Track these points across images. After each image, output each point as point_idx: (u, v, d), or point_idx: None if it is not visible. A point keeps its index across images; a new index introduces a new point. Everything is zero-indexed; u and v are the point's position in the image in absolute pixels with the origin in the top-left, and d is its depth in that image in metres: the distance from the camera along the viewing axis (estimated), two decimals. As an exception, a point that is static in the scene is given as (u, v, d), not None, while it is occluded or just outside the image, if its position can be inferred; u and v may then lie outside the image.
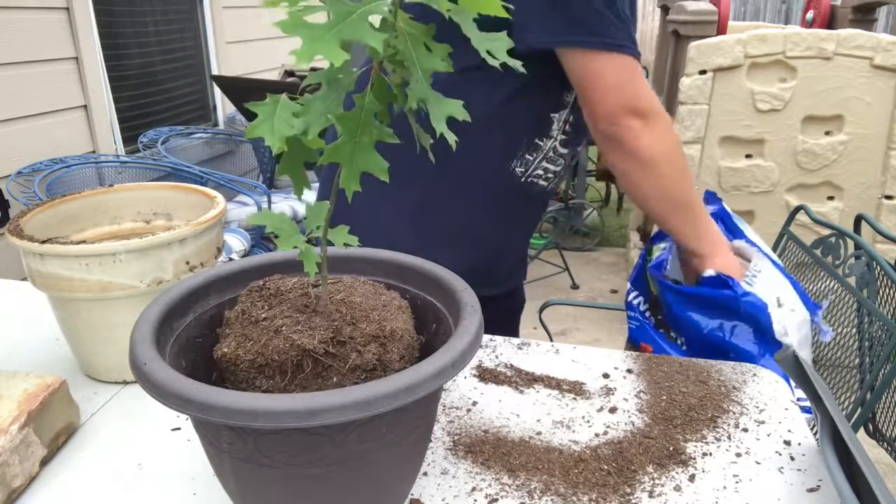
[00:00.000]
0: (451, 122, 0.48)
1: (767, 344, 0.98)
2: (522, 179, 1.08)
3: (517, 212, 1.14)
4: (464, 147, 1.04)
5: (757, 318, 0.98)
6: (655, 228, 1.16)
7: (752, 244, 1.13)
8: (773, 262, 1.10)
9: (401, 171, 0.88)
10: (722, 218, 1.18)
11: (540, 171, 1.09)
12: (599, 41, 0.87)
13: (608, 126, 0.95)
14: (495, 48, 0.49)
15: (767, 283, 1.02)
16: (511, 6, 0.48)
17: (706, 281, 1.03)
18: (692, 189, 1.02)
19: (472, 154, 0.97)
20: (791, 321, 0.99)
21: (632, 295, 1.17)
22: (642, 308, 1.16)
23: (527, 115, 1.00)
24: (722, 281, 1.01)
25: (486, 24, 0.48)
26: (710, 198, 1.23)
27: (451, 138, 0.49)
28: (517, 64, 0.50)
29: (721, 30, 2.90)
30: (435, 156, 0.88)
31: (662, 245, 1.13)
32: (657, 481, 0.70)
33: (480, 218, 1.09)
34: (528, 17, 0.87)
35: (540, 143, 1.05)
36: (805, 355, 0.94)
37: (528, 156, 1.06)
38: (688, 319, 1.03)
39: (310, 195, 3.19)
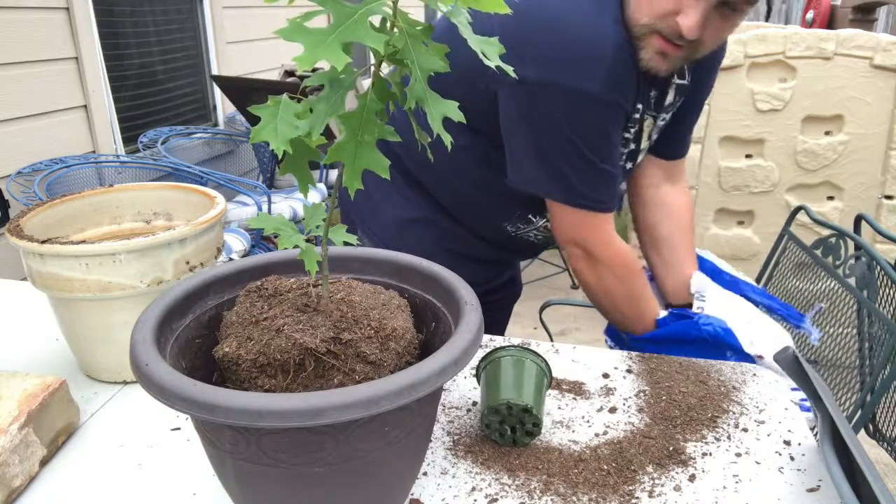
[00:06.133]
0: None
1: (745, 358, 0.99)
2: (514, 234, 1.18)
3: (509, 247, 1.23)
4: (462, 196, 1.14)
5: (722, 338, 0.99)
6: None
7: (721, 274, 1.16)
8: (743, 284, 1.13)
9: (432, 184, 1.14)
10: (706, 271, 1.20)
11: (531, 235, 1.18)
12: (564, 197, 1.01)
13: (561, 244, 1.09)
14: (489, 52, 0.49)
15: (720, 305, 1.06)
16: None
17: (661, 321, 1.06)
18: (635, 311, 1.09)
19: (471, 208, 1.15)
20: (762, 334, 0.99)
21: (609, 343, 1.19)
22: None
23: (516, 197, 1.08)
24: (678, 315, 1.04)
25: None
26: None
27: (447, 139, 0.49)
28: (509, 69, 0.52)
29: (721, 30, 2.90)
30: (443, 192, 1.13)
31: None
32: (657, 481, 0.70)
33: (474, 244, 1.20)
34: (518, 160, 1.02)
35: (533, 219, 1.13)
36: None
37: (520, 224, 1.15)
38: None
39: (314, 194, 3.19)
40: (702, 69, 1.10)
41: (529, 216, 1.12)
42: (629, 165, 1.11)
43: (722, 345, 0.99)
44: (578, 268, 1.07)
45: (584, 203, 1.00)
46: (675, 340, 1.03)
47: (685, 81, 1.09)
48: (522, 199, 1.07)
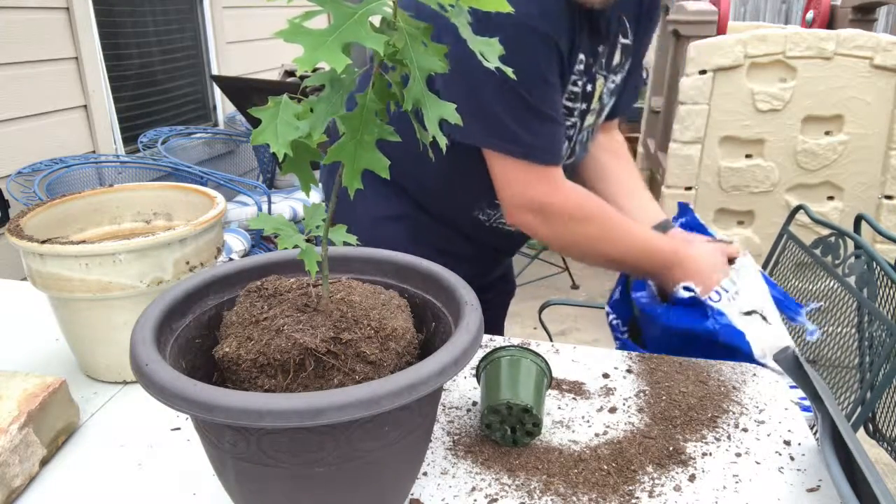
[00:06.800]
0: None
1: (749, 360, 0.98)
2: (488, 224, 1.16)
3: (489, 242, 1.22)
4: (430, 188, 1.11)
5: (737, 345, 0.97)
6: None
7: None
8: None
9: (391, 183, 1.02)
10: (693, 228, 1.18)
11: (502, 222, 1.15)
12: (502, 145, 0.97)
13: (511, 217, 1.04)
14: (488, 51, 0.49)
15: (749, 298, 1.01)
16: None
17: (680, 301, 1.02)
18: (619, 245, 1.05)
19: (440, 199, 1.12)
20: (768, 334, 0.98)
21: (611, 317, 1.16)
22: (622, 329, 1.16)
23: (482, 181, 1.05)
24: (697, 302, 1.00)
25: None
26: (682, 209, 1.23)
27: (443, 141, 0.49)
28: (509, 71, 0.52)
29: (721, 30, 2.90)
30: (414, 187, 1.06)
31: None
32: (657, 481, 0.70)
33: (455, 238, 1.18)
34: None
35: (499, 203, 1.10)
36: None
37: (489, 210, 1.13)
38: (669, 346, 1.02)
39: (315, 194, 3.20)
40: (641, 29, 1.11)
41: (496, 200, 1.09)
42: (579, 123, 1.07)
43: (733, 348, 0.98)
44: (536, 231, 1.02)
45: (525, 152, 0.96)
46: (690, 335, 1.00)
47: (629, 41, 1.09)
48: (485, 181, 1.04)
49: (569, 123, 1.05)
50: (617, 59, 1.08)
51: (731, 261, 1.08)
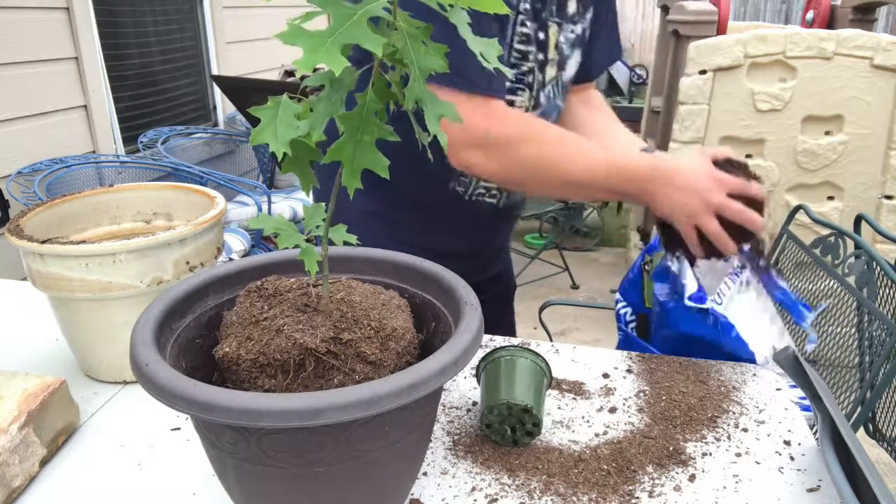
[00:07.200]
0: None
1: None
2: (467, 197, 1.12)
3: (474, 225, 1.18)
4: (404, 168, 1.09)
5: (739, 354, 0.97)
6: (654, 234, 1.14)
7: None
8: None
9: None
10: None
11: (482, 190, 1.12)
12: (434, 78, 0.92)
13: (455, 159, 0.96)
14: (487, 53, 0.49)
15: (750, 305, 1.00)
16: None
17: (682, 305, 0.99)
18: (579, 164, 0.97)
19: (413, 175, 1.04)
20: (762, 344, 0.97)
21: (620, 304, 1.13)
22: (628, 318, 1.14)
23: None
24: (703, 304, 0.98)
25: None
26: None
27: (444, 139, 0.49)
28: (509, 72, 0.51)
29: (721, 30, 2.90)
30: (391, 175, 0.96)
31: (662, 252, 1.11)
32: (657, 481, 0.70)
33: (438, 229, 1.14)
34: None
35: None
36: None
37: (463, 178, 1.09)
38: (675, 343, 1.02)
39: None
40: None
41: None
42: (540, 75, 1.05)
43: (736, 354, 0.97)
44: (483, 167, 0.95)
45: (458, 81, 0.87)
46: (697, 339, 0.98)
47: None
48: None
49: (525, 68, 1.02)
50: (572, 7, 1.06)
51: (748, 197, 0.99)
